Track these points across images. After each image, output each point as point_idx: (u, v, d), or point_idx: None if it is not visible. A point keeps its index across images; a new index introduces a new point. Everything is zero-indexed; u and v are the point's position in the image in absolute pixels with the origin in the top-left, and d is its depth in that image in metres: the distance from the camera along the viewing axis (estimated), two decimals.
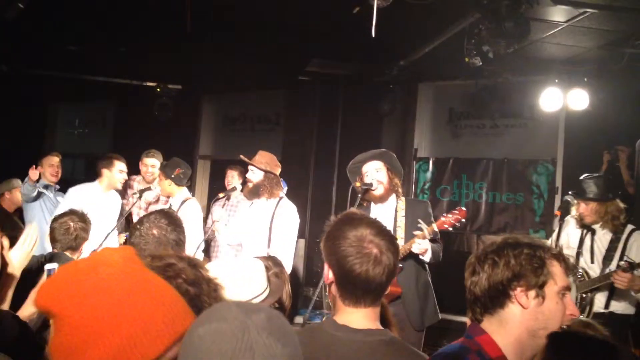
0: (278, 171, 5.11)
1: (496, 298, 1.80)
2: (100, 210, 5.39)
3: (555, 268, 1.83)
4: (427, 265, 4.37)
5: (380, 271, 1.81)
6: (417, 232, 4.10)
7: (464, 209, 4.17)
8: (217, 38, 6.74)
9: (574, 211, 4.58)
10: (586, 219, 4.45)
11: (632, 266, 3.98)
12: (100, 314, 1.19)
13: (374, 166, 4.42)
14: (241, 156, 5.20)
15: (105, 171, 5.81)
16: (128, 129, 9.77)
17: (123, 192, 6.21)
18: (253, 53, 7.16)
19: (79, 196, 5.61)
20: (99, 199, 5.67)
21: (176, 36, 6.69)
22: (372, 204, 4.45)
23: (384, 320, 2.14)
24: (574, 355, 1.74)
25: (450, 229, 4.14)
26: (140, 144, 8.39)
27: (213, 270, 2.19)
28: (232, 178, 6.99)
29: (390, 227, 4.29)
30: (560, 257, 1.84)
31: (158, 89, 8.93)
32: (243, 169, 6.85)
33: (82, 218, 3.90)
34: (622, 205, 4.43)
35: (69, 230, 3.78)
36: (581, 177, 4.57)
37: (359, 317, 1.86)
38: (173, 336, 1.21)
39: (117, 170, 5.82)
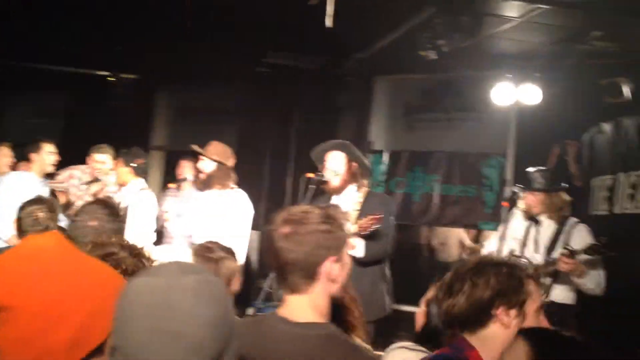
0: (231, 162, 5.07)
1: (477, 317, 1.83)
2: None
3: (532, 287, 1.90)
4: (381, 262, 4.40)
5: (293, 246, 1.76)
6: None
7: (381, 215, 4.12)
8: (174, 28, 6.65)
9: (520, 203, 4.68)
10: (533, 210, 4.56)
11: (572, 253, 4.11)
12: (57, 298, 1.18)
13: (333, 157, 4.41)
14: (193, 146, 5.15)
15: (34, 156, 5.67)
16: (81, 118, 9.55)
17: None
18: (210, 44, 7.09)
19: (16, 184, 5.45)
20: (37, 187, 5.52)
21: (131, 25, 6.59)
22: (334, 196, 4.46)
23: (345, 323, 2.14)
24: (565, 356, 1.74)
25: (367, 232, 4.11)
26: (93, 134, 8.24)
27: (160, 256, 2.18)
28: (185, 169, 6.93)
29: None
30: (533, 276, 1.97)
31: (112, 79, 8.76)
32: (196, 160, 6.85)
33: (51, 207, 3.75)
34: (567, 197, 4.57)
35: (38, 220, 3.64)
36: (528, 170, 4.68)
37: (297, 307, 1.81)
38: None
39: (45, 153, 5.68)
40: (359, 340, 2.33)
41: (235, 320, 1.30)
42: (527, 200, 4.59)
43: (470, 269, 1.87)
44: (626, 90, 5.60)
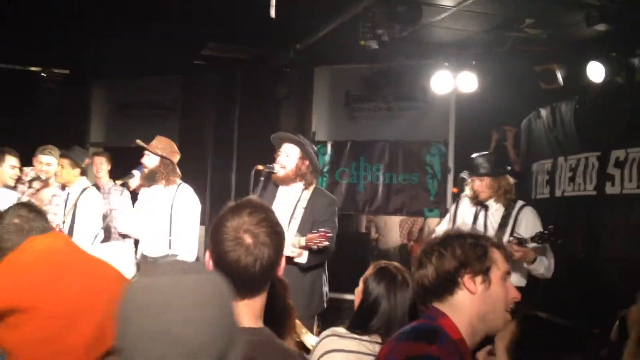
0: (176, 157, 5.00)
1: (445, 286, 1.92)
2: None
3: (497, 255, 1.98)
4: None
5: (252, 262, 1.73)
6: (293, 241, 4.17)
7: (329, 232, 4.16)
8: (108, 20, 6.47)
9: (467, 190, 4.74)
10: (481, 195, 4.61)
11: (520, 242, 4.20)
12: (74, 297, 1.18)
13: (286, 149, 4.42)
14: (137, 141, 5.04)
15: None
16: (9, 116, 9.20)
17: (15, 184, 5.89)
18: (147, 36, 6.93)
19: None
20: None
21: (63, 17, 6.37)
22: (281, 187, 4.46)
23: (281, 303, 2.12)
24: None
25: (314, 248, 4.17)
26: (23, 133, 7.95)
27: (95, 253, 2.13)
28: (102, 165, 6.82)
29: (289, 214, 4.35)
30: (499, 245, 2.02)
31: (43, 74, 8.45)
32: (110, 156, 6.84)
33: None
34: (512, 180, 4.65)
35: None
36: (472, 156, 4.75)
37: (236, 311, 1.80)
38: None
39: (8, 166, 5.53)
40: (293, 343, 2.34)
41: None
42: (475, 185, 4.63)
43: (437, 242, 1.98)
44: (559, 76, 5.76)
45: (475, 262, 1.92)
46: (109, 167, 6.85)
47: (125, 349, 1.13)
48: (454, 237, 1.97)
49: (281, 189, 4.47)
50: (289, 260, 4.19)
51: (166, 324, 1.10)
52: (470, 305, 1.90)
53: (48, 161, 5.79)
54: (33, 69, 8.50)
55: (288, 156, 4.40)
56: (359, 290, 2.76)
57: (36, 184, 5.76)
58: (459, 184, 4.81)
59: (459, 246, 1.93)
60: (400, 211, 7.73)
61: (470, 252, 1.93)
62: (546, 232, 4.13)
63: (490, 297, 1.92)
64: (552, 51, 5.98)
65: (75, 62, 8.33)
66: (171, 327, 1.10)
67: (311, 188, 4.45)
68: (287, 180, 4.41)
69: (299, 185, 4.44)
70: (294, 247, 4.18)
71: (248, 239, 1.74)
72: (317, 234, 4.12)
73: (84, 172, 5.42)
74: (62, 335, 1.21)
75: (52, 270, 1.26)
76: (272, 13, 4.38)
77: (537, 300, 4.80)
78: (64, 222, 5.29)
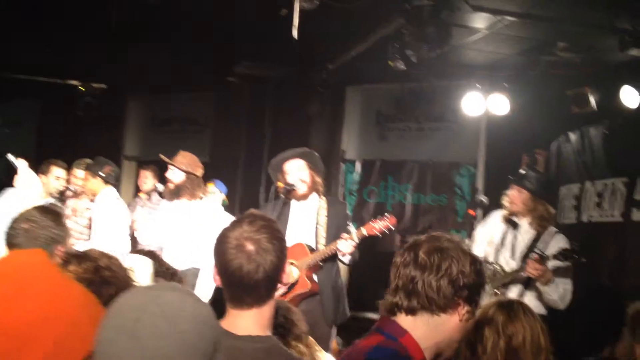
0: (200, 172, 5.07)
1: (441, 301, 1.77)
2: None
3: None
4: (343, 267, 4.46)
5: (254, 268, 1.75)
6: (345, 235, 4.16)
7: (393, 216, 4.18)
8: (145, 37, 6.63)
9: (505, 200, 4.55)
10: (512, 207, 4.44)
11: (542, 258, 4.07)
12: (32, 318, 1.14)
13: (296, 165, 4.42)
14: (161, 155, 5.13)
15: (41, 176, 5.65)
16: (50, 128, 9.46)
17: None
18: (181, 53, 7.08)
19: (15, 201, 5.39)
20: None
21: (101, 33, 6.54)
22: (293, 201, 4.46)
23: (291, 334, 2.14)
24: None
25: (379, 235, 4.18)
26: (64, 145, 8.15)
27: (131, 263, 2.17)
28: (146, 179, 6.88)
29: (311, 225, 4.37)
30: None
31: (82, 88, 8.68)
32: (158, 169, 6.76)
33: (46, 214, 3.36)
34: (552, 210, 4.49)
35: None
36: (524, 168, 4.60)
37: (243, 321, 1.79)
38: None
39: (53, 177, 5.64)
40: (301, 351, 2.35)
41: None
42: (510, 195, 4.47)
43: (448, 248, 1.81)
44: (592, 100, 5.70)
45: (476, 290, 1.82)
46: (155, 181, 6.88)
47: (98, 352, 1.12)
48: (466, 255, 1.82)
49: (295, 205, 4.46)
50: (328, 259, 4.25)
51: (137, 331, 1.09)
52: (450, 330, 1.80)
53: (82, 175, 5.89)
54: (72, 82, 8.74)
55: (301, 171, 4.41)
56: None
57: (69, 194, 5.87)
58: (476, 206, 4.74)
59: (472, 266, 1.80)
60: (427, 232, 7.68)
61: (478, 278, 1.83)
62: (569, 249, 4.03)
63: (465, 330, 1.86)
64: (584, 75, 5.93)
65: (113, 77, 8.54)
66: (141, 335, 1.09)
67: (323, 197, 4.47)
68: (308, 194, 4.43)
69: (315, 195, 4.46)
70: (351, 239, 4.12)
71: (249, 246, 1.77)
72: (377, 221, 4.13)
73: (106, 181, 5.42)
74: (13, 355, 1.17)
75: (15, 287, 1.23)
76: (295, 34, 4.44)
77: (558, 330, 4.70)
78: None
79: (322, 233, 4.33)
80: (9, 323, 1.15)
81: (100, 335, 1.12)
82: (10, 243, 2.50)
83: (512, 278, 4.33)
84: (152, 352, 1.09)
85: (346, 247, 4.14)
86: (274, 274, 1.80)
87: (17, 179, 2.66)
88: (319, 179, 4.45)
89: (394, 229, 4.15)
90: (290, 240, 4.11)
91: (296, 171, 4.40)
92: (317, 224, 4.34)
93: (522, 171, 4.56)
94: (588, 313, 4.49)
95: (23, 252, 1.28)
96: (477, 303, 1.84)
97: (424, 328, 1.80)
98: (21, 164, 2.73)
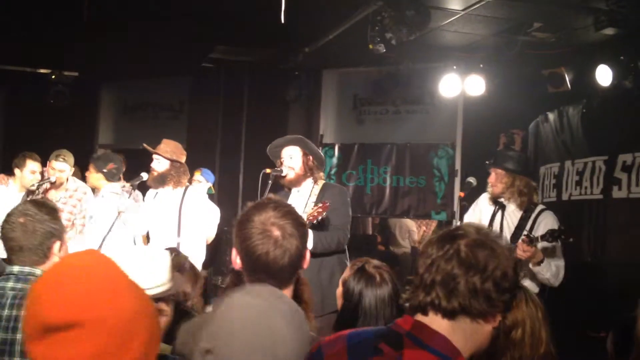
0: (183, 159, 5.04)
1: (484, 305, 1.51)
2: None
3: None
4: (340, 254, 4.42)
5: (281, 254, 1.80)
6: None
7: (327, 204, 4.13)
8: (117, 23, 6.51)
9: (489, 186, 4.57)
10: (493, 189, 4.49)
11: (531, 240, 4.09)
12: (128, 314, 1.17)
13: (288, 152, 4.43)
14: (144, 145, 5.08)
15: (17, 170, 5.57)
16: (21, 118, 9.27)
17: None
18: (154, 39, 6.97)
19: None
20: (15, 200, 5.34)
21: (72, 20, 6.41)
22: (293, 189, 4.47)
23: (300, 300, 2.14)
24: None
25: (315, 222, 4.15)
26: (35, 134, 8.00)
27: (116, 256, 2.14)
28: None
29: (301, 211, 4.34)
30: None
31: (53, 76, 8.52)
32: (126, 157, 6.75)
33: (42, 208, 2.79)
34: (533, 183, 4.52)
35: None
36: (501, 149, 4.61)
37: None
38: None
39: (28, 171, 5.56)
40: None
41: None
42: (490, 178, 4.50)
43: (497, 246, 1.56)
44: (567, 80, 5.76)
45: (514, 295, 1.60)
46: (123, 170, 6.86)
47: (220, 354, 1.30)
48: (511, 252, 1.59)
49: (293, 192, 4.48)
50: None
51: (266, 341, 1.29)
52: (483, 338, 1.56)
53: (61, 168, 5.74)
54: (43, 71, 8.57)
55: (292, 158, 4.43)
56: (339, 292, 2.76)
57: (46, 185, 5.77)
58: (466, 187, 4.74)
59: (514, 268, 1.56)
60: (407, 213, 7.75)
61: (517, 282, 1.60)
62: (557, 230, 4.07)
63: (488, 343, 1.60)
64: (560, 55, 5.98)
65: (85, 64, 8.39)
66: (270, 344, 1.29)
67: (320, 183, 4.47)
68: (298, 181, 4.42)
69: (309, 182, 4.46)
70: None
71: (276, 232, 1.81)
72: (315, 207, 4.09)
73: (107, 178, 5.43)
74: (116, 354, 1.18)
75: (106, 283, 1.24)
76: (282, 18, 4.40)
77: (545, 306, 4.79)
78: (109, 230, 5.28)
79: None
80: (117, 320, 1.18)
81: (226, 335, 1.31)
82: (7, 237, 2.46)
83: None
84: (274, 357, 1.33)
85: None
86: (298, 260, 1.85)
87: None
88: (314, 165, 4.44)
89: (325, 214, 4.12)
90: None
91: (287, 158, 4.40)
92: (304, 210, 4.32)
93: (498, 154, 4.57)
94: (570, 290, 4.56)
95: (81, 253, 1.26)
96: (510, 309, 1.65)
97: (461, 335, 1.53)
98: None
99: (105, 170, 5.39)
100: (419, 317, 1.55)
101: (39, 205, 2.63)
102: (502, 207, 4.52)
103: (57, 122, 8.43)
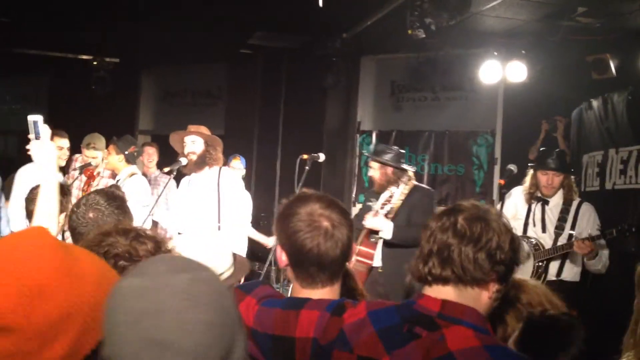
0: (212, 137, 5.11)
1: (477, 273, 1.58)
2: None
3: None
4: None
5: (333, 245, 1.71)
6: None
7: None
8: (157, 10, 6.56)
9: (527, 181, 4.66)
10: (545, 190, 4.54)
11: (593, 238, 4.18)
12: (53, 318, 1.07)
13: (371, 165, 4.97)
14: (175, 133, 5.13)
15: None
16: (64, 103, 9.45)
17: (66, 169, 6.03)
18: (194, 25, 7.01)
19: (30, 176, 5.39)
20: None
21: (113, 7, 6.48)
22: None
23: (353, 292, 2.09)
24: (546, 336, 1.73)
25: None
26: (77, 119, 8.14)
27: (181, 243, 2.14)
28: (153, 155, 6.92)
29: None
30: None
31: (95, 62, 8.65)
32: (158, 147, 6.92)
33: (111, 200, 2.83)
34: (573, 178, 4.64)
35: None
36: (542, 149, 4.70)
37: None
38: None
39: (56, 147, 5.64)
40: None
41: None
42: (542, 181, 4.53)
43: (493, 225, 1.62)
44: (612, 66, 5.61)
45: (511, 268, 1.64)
46: (157, 159, 6.95)
47: (112, 356, 1.04)
48: (508, 228, 1.65)
49: (382, 195, 4.90)
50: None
51: (155, 331, 1.01)
52: (479, 306, 1.61)
53: (93, 155, 5.89)
54: (85, 57, 8.71)
55: (372, 170, 4.93)
56: None
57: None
58: (506, 175, 4.70)
59: (511, 243, 1.62)
60: (445, 202, 7.65)
61: (515, 257, 1.64)
62: (626, 226, 4.11)
63: (491, 308, 1.66)
64: (604, 41, 5.81)
65: (126, 50, 8.49)
66: (166, 334, 1.01)
67: (410, 184, 4.88)
68: (379, 188, 4.92)
69: (392, 189, 4.87)
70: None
71: (325, 222, 1.72)
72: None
73: (128, 160, 5.45)
74: (35, 353, 1.09)
75: (26, 281, 1.12)
76: (320, 2, 4.38)
77: (587, 296, 4.72)
78: None
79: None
80: (32, 327, 1.05)
81: (115, 337, 1.04)
82: (77, 232, 2.43)
83: (556, 254, 4.42)
84: (178, 349, 1.03)
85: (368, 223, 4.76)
86: (349, 250, 1.77)
87: (37, 149, 2.55)
88: (395, 174, 4.86)
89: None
90: None
91: (370, 169, 5.04)
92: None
93: (542, 155, 4.61)
94: (614, 281, 4.48)
95: (22, 233, 1.13)
96: (507, 282, 1.68)
97: (471, 302, 1.61)
98: (45, 131, 2.63)
99: (127, 153, 5.40)
100: (427, 290, 1.63)
101: (109, 198, 2.59)
102: (544, 202, 4.53)
103: (98, 108, 8.56)
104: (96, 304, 1.14)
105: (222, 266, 2.13)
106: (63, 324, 1.11)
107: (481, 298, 1.61)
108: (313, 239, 1.71)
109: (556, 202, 4.56)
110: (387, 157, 4.88)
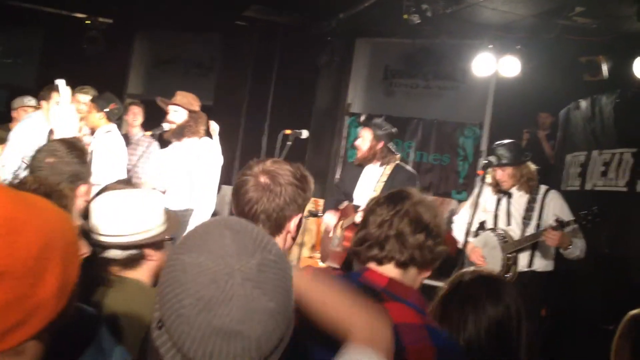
0: (197, 108, 5.09)
1: (427, 255, 1.79)
2: None
3: None
4: None
5: (267, 198, 1.80)
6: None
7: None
8: None
9: (488, 178, 4.64)
10: (503, 185, 4.52)
11: (562, 224, 4.11)
12: (33, 252, 1.07)
13: (362, 133, 4.98)
14: (159, 99, 5.11)
15: (43, 103, 5.60)
16: (55, 60, 9.33)
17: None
18: None
19: (29, 130, 5.33)
20: (42, 131, 5.38)
21: None
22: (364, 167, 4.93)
23: None
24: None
25: None
26: (67, 77, 8.03)
27: (103, 199, 2.09)
28: (138, 115, 6.88)
29: (371, 189, 4.79)
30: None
31: (88, 22, 8.55)
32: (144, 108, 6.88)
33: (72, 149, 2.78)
34: (533, 167, 4.55)
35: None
36: (493, 145, 4.67)
37: None
38: (84, 248, 1.10)
39: (54, 103, 5.59)
40: None
41: None
42: (497, 175, 4.54)
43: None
44: (604, 69, 5.62)
45: (439, 258, 1.84)
46: (142, 119, 6.92)
47: (177, 338, 1.02)
48: (438, 209, 1.87)
49: (365, 169, 4.93)
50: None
51: (229, 321, 1.01)
52: (417, 286, 1.82)
53: (85, 100, 5.81)
54: (79, 15, 8.59)
55: (363, 139, 4.89)
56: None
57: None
58: (485, 166, 4.71)
59: (440, 221, 1.84)
60: (427, 191, 7.68)
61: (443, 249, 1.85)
62: (590, 212, 4.08)
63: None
64: (599, 42, 5.82)
65: (120, 12, 8.39)
66: (235, 324, 1.00)
67: (392, 164, 4.86)
68: (363, 160, 4.91)
69: (376, 165, 4.90)
70: None
71: (265, 179, 1.80)
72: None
73: (109, 118, 5.39)
74: (30, 293, 1.08)
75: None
76: None
77: (558, 291, 4.76)
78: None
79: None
80: (14, 266, 1.03)
81: (175, 316, 1.02)
82: (34, 175, 2.44)
83: (525, 244, 4.40)
84: (236, 338, 1.02)
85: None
86: (278, 214, 1.80)
87: (54, 114, 2.54)
88: (383, 150, 4.88)
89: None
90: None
91: (360, 138, 4.99)
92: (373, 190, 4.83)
93: (491, 157, 4.56)
94: (585, 280, 4.53)
95: None
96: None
97: (410, 283, 1.80)
98: (65, 93, 2.61)
99: (107, 110, 5.34)
100: (372, 265, 1.79)
101: (69, 147, 2.59)
102: (508, 195, 4.54)
103: (89, 67, 8.47)
104: (63, 230, 1.14)
105: (154, 222, 2.10)
106: (46, 253, 1.10)
107: (417, 280, 1.81)
108: (246, 186, 1.83)
109: (520, 193, 4.53)
110: (381, 132, 4.89)
